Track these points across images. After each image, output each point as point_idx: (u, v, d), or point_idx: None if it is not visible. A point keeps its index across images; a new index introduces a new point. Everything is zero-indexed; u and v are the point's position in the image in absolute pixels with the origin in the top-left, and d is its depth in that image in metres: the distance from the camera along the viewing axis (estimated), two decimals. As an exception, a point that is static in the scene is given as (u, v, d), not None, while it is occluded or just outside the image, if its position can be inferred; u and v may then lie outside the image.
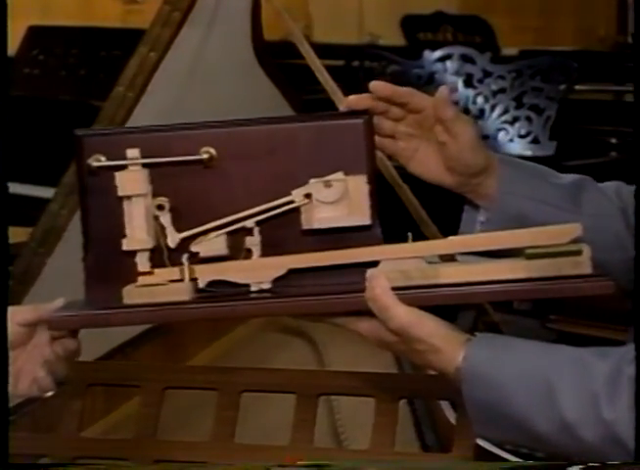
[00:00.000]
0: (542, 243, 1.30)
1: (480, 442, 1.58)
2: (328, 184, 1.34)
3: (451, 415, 1.69)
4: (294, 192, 1.34)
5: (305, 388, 1.53)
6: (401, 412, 1.53)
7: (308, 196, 1.34)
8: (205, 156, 1.35)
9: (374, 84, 1.38)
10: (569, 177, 1.45)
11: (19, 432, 1.60)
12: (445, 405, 1.73)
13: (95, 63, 4.09)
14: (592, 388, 1.18)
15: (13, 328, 1.33)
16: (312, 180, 1.34)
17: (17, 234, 2.15)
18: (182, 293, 1.33)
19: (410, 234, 1.33)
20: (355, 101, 1.38)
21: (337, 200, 1.34)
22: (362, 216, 1.34)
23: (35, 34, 4.29)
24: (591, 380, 1.18)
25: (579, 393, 1.18)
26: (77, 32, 4.39)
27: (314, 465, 1.39)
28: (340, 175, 1.34)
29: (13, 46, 4.14)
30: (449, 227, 1.46)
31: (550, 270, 1.28)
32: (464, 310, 2.19)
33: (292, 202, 1.34)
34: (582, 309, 2.56)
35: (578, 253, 1.28)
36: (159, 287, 1.33)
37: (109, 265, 1.35)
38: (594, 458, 1.21)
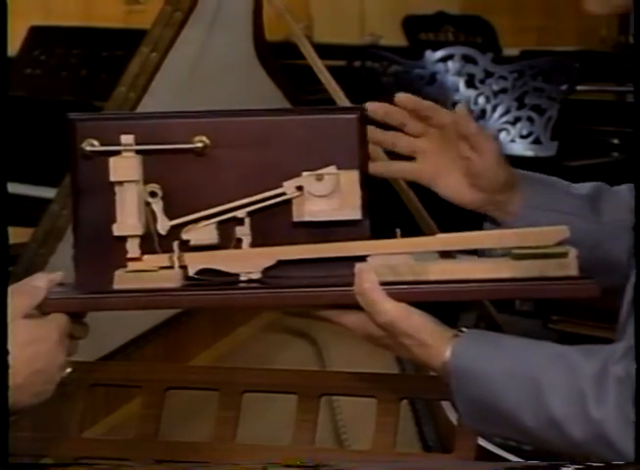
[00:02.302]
0: (529, 244, 1.31)
1: (482, 442, 1.58)
2: (320, 177, 1.34)
3: (453, 416, 1.68)
4: (285, 184, 1.35)
5: (307, 388, 1.53)
6: (403, 413, 1.53)
7: (300, 188, 1.35)
8: (199, 144, 1.35)
9: (400, 96, 1.38)
10: (586, 186, 1.45)
11: (20, 432, 1.60)
12: (447, 406, 1.73)
13: (97, 63, 4.09)
14: (579, 386, 1.19)
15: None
16: (305, 173, 1.34)
17: (18, 235, 2.15)
18: (171, 280, 1.33)
19: (399, 230, 1.34)
20: (374, 107, 1.38)
21: (328, 193, 1.34)
22: (353, 211, 1.35)
23: (37, 35, 4.29)
24: (577, 378, 1.19)
25: (566, 390, 1.19)
26: (79, 33, 4.39)
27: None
28: (332, 169, 1.34)
29: (14, 46, 4.14)
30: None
31: (536, 271, 1.30)
32: (465, 311, 2.19)
33: (283, 193, 1.35)
34: (584, 310, 2.56)
35: (564, 255, 1.30)
36: (148, 273, 1.34)
37: (99, 250, 1.36)
38: (583, 455, 1.22)
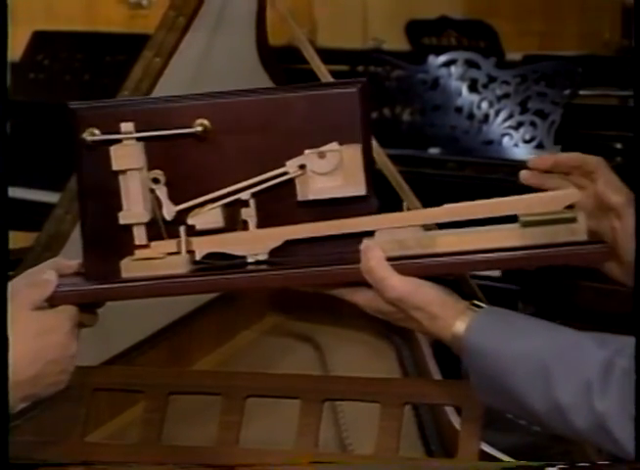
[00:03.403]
0: (537, 210, 1.29)
1: (485, 447, 1.58)
2: (322, 155, 1.34)
3: (456, 420, 1.68)
4: (288, 163, 1.34)
5: (310, 393, 1.53)
6: (405, 417, 1.53)
7: (302, 167, 1.34)
8: (200, 128, 1.35)
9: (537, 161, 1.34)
10: None
11: (23, 436, 1.60)
12: (450, 411, 1.73)
13: (100, 68, 4.09)
14: (586, 375, 1.19)
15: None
16: (307, 151, 1.34)
17: (22, 239, 2.16)
18: (179, 266, 1.34)
19: (406, 203, 1.33)
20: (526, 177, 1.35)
21: (331, 170, 1.34)
22: (357, 187, 1.34)
23: (40, 39, 4.29)
24: (586, 367, 1.19)
25: (574, 379, 1.20)
26: (82, 37, 4.39)
27: None
28: (334, 146, 1.34)
29: (18, 51, 4.14)
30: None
31: (546, 238, 1.28)
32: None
33: (286, 173, 1.34)
34: (588, 314, 2.56)
35: (573, 220, 1.28)
36: (156, 260, 1.34)
37: (106, 239, 1.36)
38: (584, 443, 1.23)
